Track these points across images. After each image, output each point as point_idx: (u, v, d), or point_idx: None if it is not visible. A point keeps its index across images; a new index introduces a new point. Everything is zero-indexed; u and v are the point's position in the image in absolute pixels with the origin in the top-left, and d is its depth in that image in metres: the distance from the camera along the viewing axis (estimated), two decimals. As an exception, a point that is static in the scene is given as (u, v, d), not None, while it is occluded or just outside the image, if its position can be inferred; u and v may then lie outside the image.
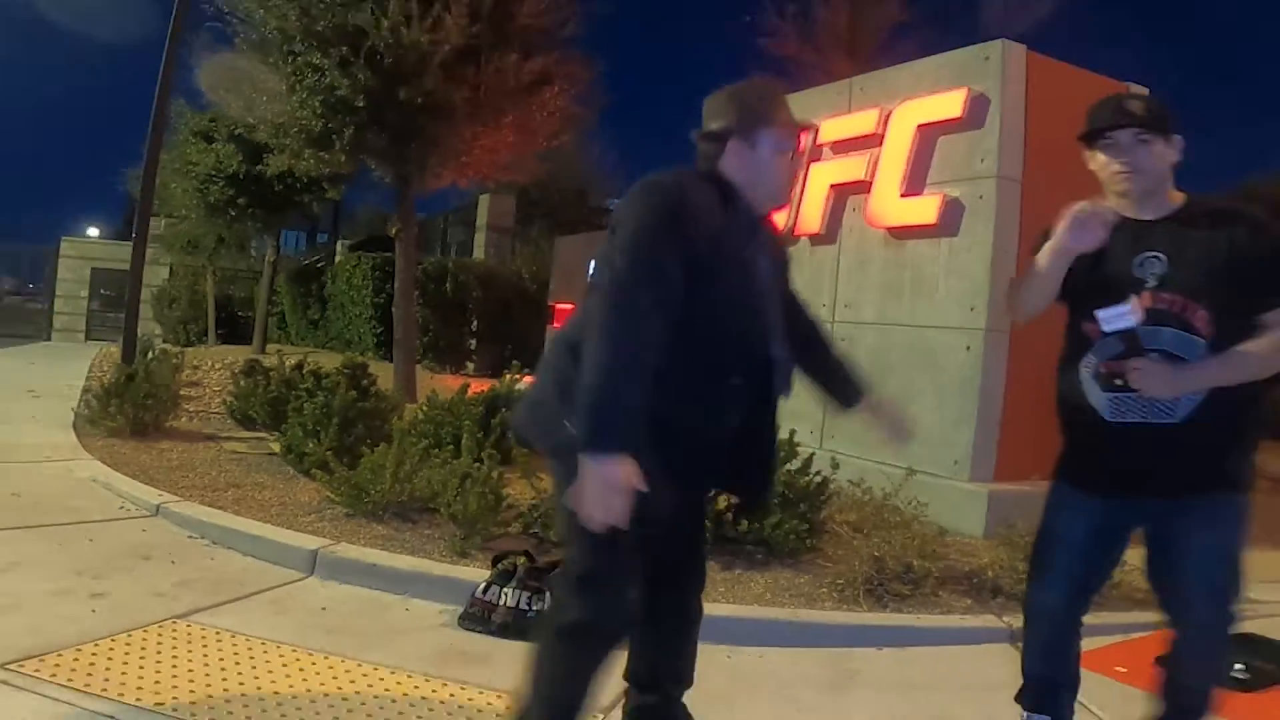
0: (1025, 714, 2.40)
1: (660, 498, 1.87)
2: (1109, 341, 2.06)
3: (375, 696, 2.61)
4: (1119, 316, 2.01)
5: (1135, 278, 2.06)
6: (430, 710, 2.55)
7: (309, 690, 2.61)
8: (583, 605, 1.91)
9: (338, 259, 17.25)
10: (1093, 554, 2.27)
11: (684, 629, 2.28)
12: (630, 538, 1.84)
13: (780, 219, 6.09)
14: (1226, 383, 2.01)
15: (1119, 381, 2.03)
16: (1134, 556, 2.39)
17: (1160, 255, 2.05)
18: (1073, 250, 2.08)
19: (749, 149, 2.05)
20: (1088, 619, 2.38)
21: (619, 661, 2.07)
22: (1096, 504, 2.20)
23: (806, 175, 6.18)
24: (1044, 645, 2.38)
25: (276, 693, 2.58)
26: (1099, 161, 2.17)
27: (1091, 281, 2.12)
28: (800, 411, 3.77)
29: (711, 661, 2.38)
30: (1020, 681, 2.45)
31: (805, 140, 2.28)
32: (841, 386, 2.32)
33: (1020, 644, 3.16)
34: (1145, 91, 5.55)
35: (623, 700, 2.32)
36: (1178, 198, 2.16)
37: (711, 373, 1.97)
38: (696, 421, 1.98)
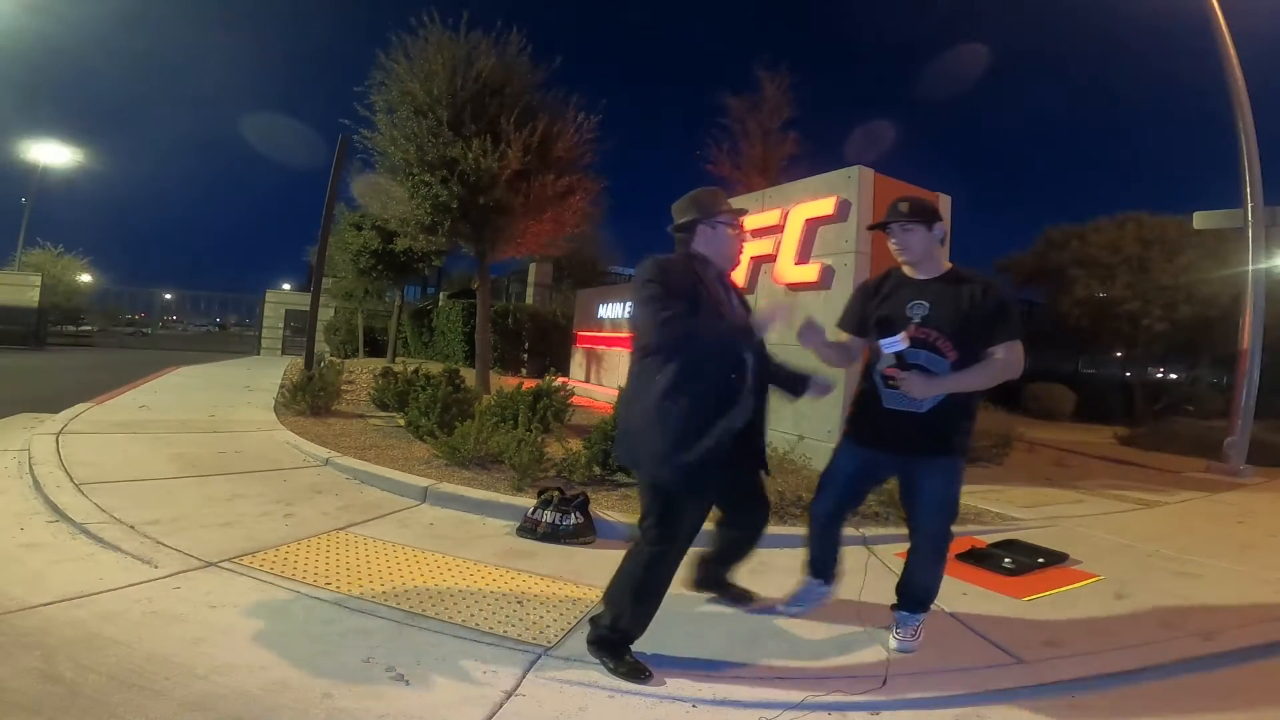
0: (808, 578, 2.45)
1: (700, 481, 1.93)
2: (888, 357, 2.10)
3: (464, 577, 2.62)
4: (893, 343, 2.06)
5: (907, 316, 2.10)
6: (498, 585, 2.56)
7: (422, 573, 2.62)
8: (659, 548, 1.98)
9: (440, 304, 17.13)
10: (855, 483, 2.34)
11: (749, 540, 2.38)
12: (681, 514, 1.97)
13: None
14: (960, 390, 2.06)
15: (892, 383, 2.08)
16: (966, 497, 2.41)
17: (925, 302, 2.10)
18: (818, 348, 2.21)
19: (711, 230, 2.10)
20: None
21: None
22: (865, 452, 2.25)
23: (736, 251, 6.23)
24: (818, 536, 2.42)
25: (401, 575, 2.58)
26: (889, 243, 2.21)
27: (879, 318, 2.17)
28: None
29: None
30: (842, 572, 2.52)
31: (742, 221, 2.28)
32: (791, 383, 2.28)
33: (871, 546, 3.19)
34: (924, 194, 5.60)
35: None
36: (946, 265, 2.19)
37: (715, 371, 1.95)
38: (719, 409, 1.92)
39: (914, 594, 2.25)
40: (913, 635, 2.23)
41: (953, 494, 2.14)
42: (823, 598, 2.45)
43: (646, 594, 2.00)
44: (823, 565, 2.44)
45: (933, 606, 2.30)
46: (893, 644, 2.23)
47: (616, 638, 2.00)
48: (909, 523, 2.24)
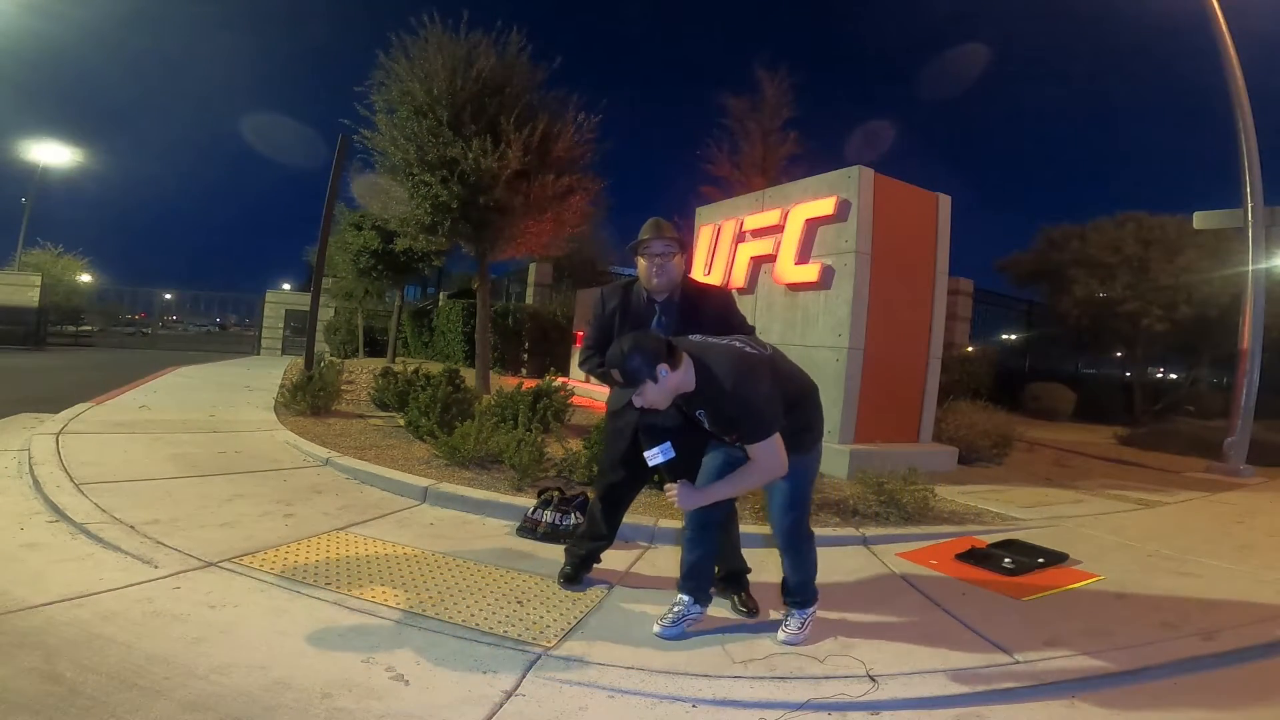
0: (686, 598, 2.28)
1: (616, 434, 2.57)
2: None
3: (463, 577, 2.62)
4: (654, 454, 2.16)
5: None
6: (497, 584, 2.56)
7: (422, 573, 2.62)
8: (598, 485, 2.67)
9: (440, 304, 17.07)
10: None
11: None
12: (605, 452, 2.64)
13: (719, 280, 6.15)
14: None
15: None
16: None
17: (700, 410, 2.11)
18: None
19: (636, 261, 2.50)
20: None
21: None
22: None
23: (736, 251, 6.22)
24: (714, 543, 2.36)
25: (401, 575, 2.58)
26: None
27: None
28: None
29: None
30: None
31: (658, 248, 2.46)
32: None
33: (871, 546, 3.17)
34: (922, 195, 5.58)
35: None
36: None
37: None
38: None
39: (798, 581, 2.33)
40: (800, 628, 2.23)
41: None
42: (698, 618, 2.29)
43: (591, 508, 2.67)
44: (708, 582, 2.31)
45: (933, 606, 2.29)
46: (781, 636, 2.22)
47: (582, 550, 2.61)
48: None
